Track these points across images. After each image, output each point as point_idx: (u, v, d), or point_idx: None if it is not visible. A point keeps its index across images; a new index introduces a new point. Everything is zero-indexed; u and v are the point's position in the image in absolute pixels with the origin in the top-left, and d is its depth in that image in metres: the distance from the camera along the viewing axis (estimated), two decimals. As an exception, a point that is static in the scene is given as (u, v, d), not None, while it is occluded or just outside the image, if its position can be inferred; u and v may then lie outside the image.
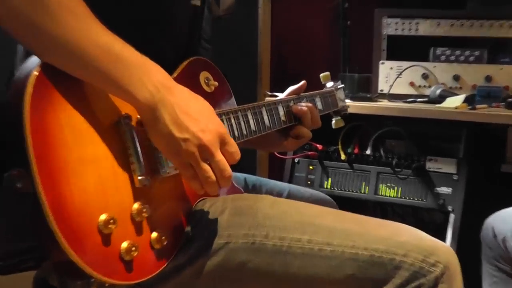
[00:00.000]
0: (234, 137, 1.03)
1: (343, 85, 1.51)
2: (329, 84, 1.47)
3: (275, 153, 1.94)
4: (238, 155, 0.89)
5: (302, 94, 1.33)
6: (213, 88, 1.10)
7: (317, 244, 0.93)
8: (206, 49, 1.16)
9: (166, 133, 0.83)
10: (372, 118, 1.97)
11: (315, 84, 1.44)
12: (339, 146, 2.03)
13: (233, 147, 0.89)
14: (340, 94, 1.49)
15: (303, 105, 1.27)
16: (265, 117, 1.16)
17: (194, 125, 0.84)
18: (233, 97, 1.18)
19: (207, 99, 0.91)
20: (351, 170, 2.00)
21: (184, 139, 0.83)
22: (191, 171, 0.86)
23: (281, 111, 1.23)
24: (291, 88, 1.34)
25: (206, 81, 1.09)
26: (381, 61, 2.12)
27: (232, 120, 1.05)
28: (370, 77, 2.14)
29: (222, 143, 0.87)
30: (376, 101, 2.05)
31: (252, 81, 2.49)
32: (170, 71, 0.90)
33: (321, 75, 1.45)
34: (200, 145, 0.84)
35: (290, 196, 1.37)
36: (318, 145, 2.07)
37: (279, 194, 1.35)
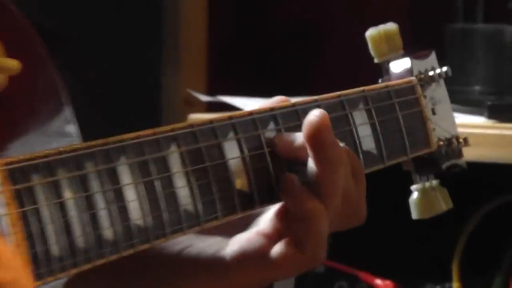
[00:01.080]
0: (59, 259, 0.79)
1: (446, 69, 1.17)
2: (397, 65, 1.19)
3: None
4: None
5: (312, 98, 1.13)
6: None
7: None
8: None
9: None
10: None
11: (366, 78, 1.15)
12: (455, 284, 1.77)
13: None
14: (441, 99, 1.22)
15: (310, 132, 1.03)
16: (180, 183, 0.91)
17: None
18: (68, 108, 1.03)
19: None
20: None
21: None
22: None
23: (236, 159, 1.00)
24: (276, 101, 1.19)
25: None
26: None
27: (42, 198, 0.84)
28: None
29: None
30: None
31: (150, 61, 2.21)
32: None
33: (369, 33, 1.16)
34: None
35: None
36: (379, 282, 1.76)
37: None
